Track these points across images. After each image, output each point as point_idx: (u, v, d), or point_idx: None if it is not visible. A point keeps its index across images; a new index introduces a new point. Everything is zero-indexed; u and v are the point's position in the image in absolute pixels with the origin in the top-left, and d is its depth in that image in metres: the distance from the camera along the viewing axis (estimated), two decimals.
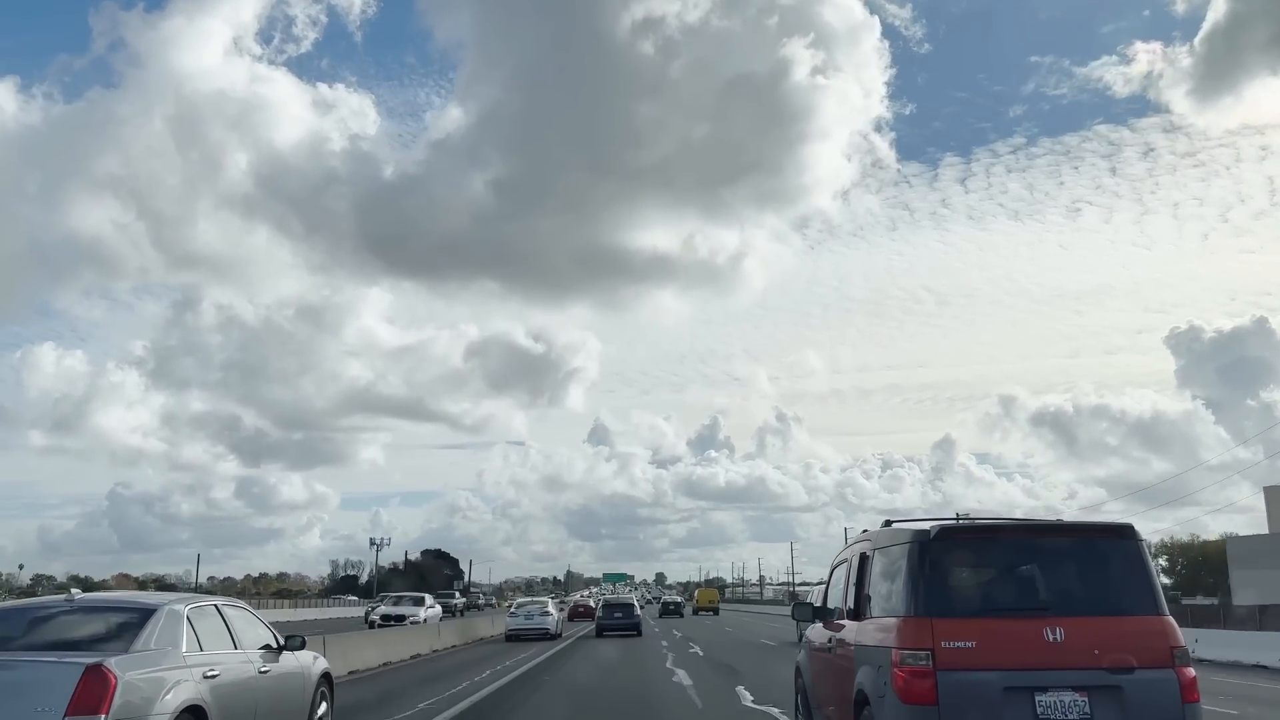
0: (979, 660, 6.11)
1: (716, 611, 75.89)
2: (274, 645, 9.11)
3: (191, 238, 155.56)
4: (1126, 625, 6.29)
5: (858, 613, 7.49)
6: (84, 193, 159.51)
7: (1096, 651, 6.12)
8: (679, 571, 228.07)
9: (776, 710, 12.76)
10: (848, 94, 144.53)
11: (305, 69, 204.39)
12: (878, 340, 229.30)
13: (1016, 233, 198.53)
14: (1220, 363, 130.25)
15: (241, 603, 9.62)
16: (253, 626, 9.08)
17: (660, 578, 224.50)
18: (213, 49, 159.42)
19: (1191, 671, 6.24)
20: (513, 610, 36.70)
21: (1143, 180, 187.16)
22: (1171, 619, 6.39)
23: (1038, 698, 6.05)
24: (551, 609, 36.04)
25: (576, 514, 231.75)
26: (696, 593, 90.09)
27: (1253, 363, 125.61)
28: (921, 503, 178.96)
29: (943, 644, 6.14)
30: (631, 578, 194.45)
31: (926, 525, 6.80)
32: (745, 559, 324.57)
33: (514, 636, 33.31)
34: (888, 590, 6.94)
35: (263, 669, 8.58)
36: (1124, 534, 6.68)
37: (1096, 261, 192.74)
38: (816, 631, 9.08)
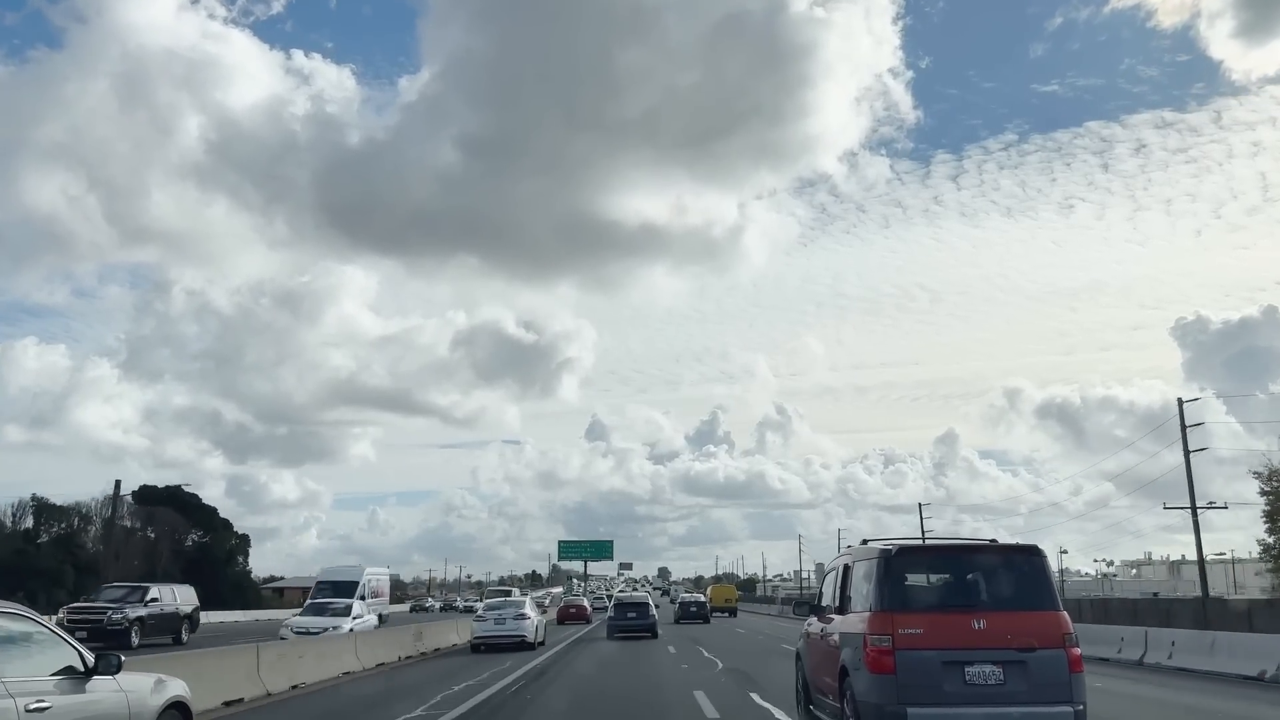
0: (925, 642, 8.54)
1: (734, 613, 67.08)
2: (81, 668, 7.07)
3: (148, 210, 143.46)
4: (1031, 618, 8.71)
5: (842, 609, 9.96)
6: (36, 164, 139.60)
7: (1009, 636, 8.55)
8: (678, 570, 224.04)
9: None
10: (853, 31, 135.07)
11: (272, 32, 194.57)
12: (873, 338, 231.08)
13: (1009, 229, 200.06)
14: (1228, 354, 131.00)
15: (22, 609, 7.15)
16: (42, 643, 6.95)
17: (664, 572, 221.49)
18: (168, 3, 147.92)
19: (1078, 650, 8.68)
20: (479, 613, 29.58)
21: (1135, 177, 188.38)
22: (1065, 613, 8.84)
23: (966, 669, 8.48)
24: (530, 610, 29.10)
25: (574, 512, 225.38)
26: (710, 590, 78.82)
27: (1262, 354, 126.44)
28: (924, 499, 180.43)
29: (899, 631, 8.58)
30: (635, 574, 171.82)
31: (890, 544, 9.28)
32: (744, 555, 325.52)
33: (481, 646, 27.38)
34: (863, 592, 9.41)
35: (36, 705, 6.33)
36: (1032, 552, 9.19)
37: (1090, 258, 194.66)
38: (812, 624, 11.56)
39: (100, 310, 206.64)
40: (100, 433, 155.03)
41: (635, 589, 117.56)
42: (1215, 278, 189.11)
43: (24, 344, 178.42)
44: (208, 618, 50.29)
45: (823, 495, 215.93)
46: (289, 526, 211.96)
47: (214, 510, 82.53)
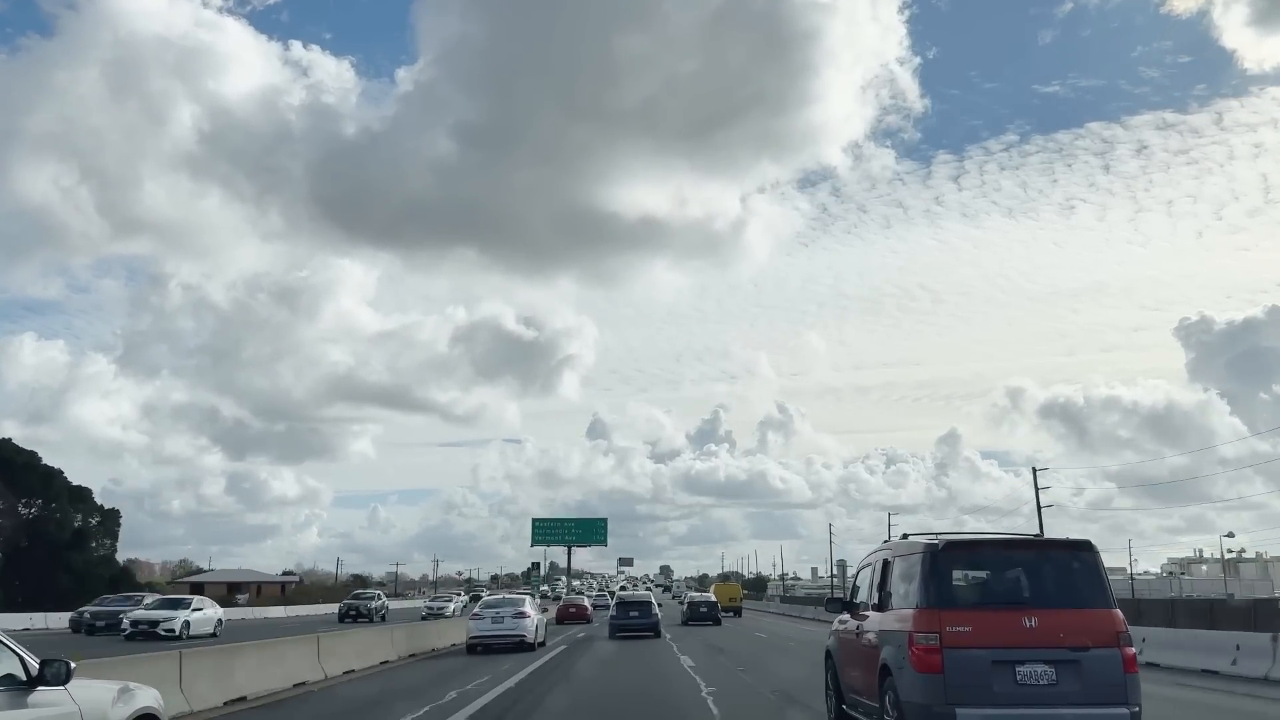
0: (974, 640, 8.23)
1: (739, 612, 64.56)
2: (22, 677, 6.04)
3: (141, 201, 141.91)
4: (1084, 616, 8.41)
5: (882, 606, 9.63)
6: (27, 154, 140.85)
7: (1061, 634, 8.25)
8: (679, 569, 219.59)
9: None
10: (858, 18, 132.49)
11: (268, 21, 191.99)
12: (874, 338, 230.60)
13: (1010, 230, 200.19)
14: (1232, 355, 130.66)
15: None
16: None
17: (666, 570, 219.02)
18: None
19: (1132, 650, 8.38)
20: (476, 612, 27.72)
21: (1136, 178, 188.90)
22: (1119, 611, 8.51)
23: (1017, 669, 8.17)
24: (530, 609, 27.44)
25: (575, 510, 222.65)
26: (713, 588, 73.16)
27: (1266, 354, 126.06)
28: (926, 499, 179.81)
29: (947, 629, 8.27)
30: (636, 572, 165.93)
31: (935, 539, 8.96)
32: (750, 554, 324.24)
33: (479, 647, 25.76)
34: (905, 589, 9.09)
35: None
36: (1083, 548, 8.86)
37: (1091, 259, 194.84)
38: (844, 622, 11.23)
39: (95, 304, 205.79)
40: (98, 429, 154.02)
41: (637, 587, 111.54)
42: (1216, 279, 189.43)
43: (21, 339, 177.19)
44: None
45: (824, 495, 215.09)
46: (289, 524, 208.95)
47: (55, 473, 61.46)
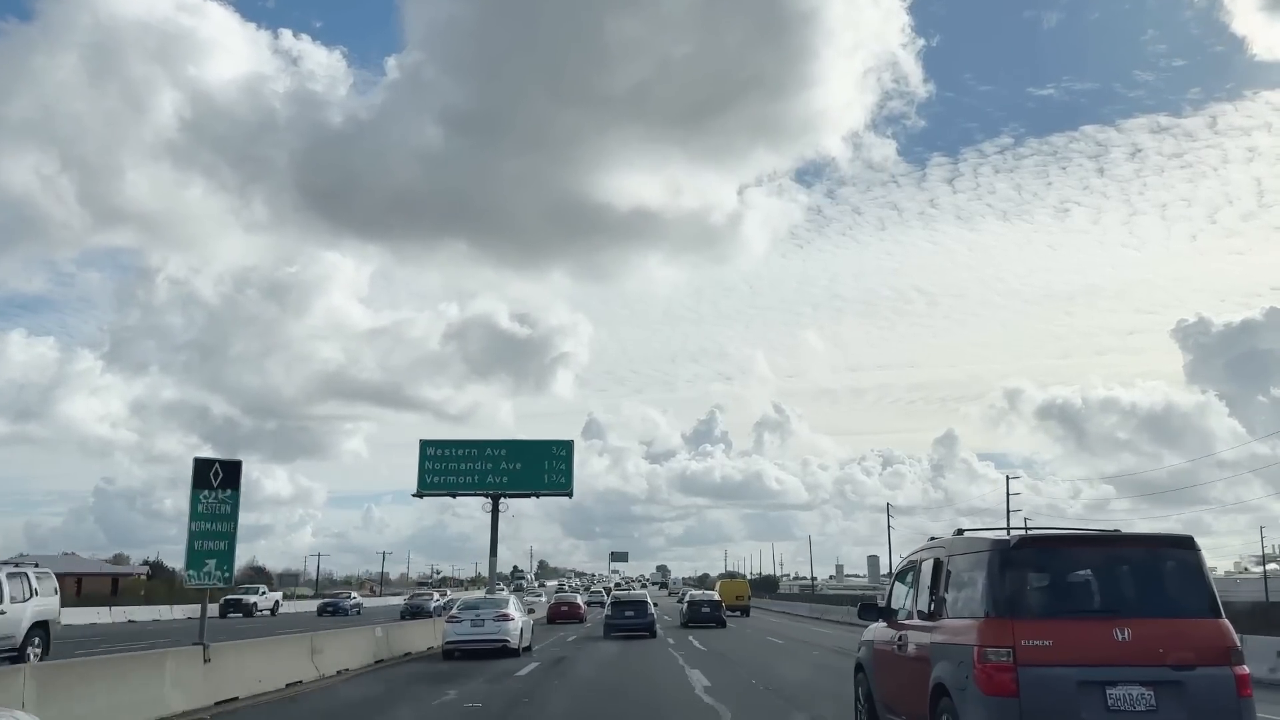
0: (1055, 657, 6.83)
1: (746, 612, 59.92)
2: None
3: (124, 192, 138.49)
4: (1187, 627, 7.01)
5: (934, 613, 8.21)
6: (6, 142, 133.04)
7: (1161, 650, 6.84)
8: (676, 570, 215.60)
9: None
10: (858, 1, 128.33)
11: (254, 8, 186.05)
12: (869, 340, 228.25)
13: (1005, 233, 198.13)
14: (1230, 356, 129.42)
15: None
16: None
17: (664, 569, 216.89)
18: None
19: (1246, 669, 6.96)
20: (453, 614, 25.60)
21: (1130, 181, 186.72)
22: (1227, 621, 7.11)
23: (1109, 691, 6.77)
24: (514, 610, 25.32)
25: (569, 510, 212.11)
26: (718, 585, 66.71)
27: (1264, 356, 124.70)
28: (923, 500, 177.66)
29: (1022, 642, 6.86)
30: (631, 571, 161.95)
31: (1005, 535, 7.55)
32: (744, 556, 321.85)
33: (455, 652, 23.77)
34: (964, 594, 7.69)
35: None
36: (1184, 545, 7.43)
37: (1085, 262, 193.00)
38: (879, 631, 9.81)
39: (80, 298, 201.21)
40: (87, 426, 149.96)
41: (632, 587, 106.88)
42: (1211, 282, 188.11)
43: (9, 336, 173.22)
44: None
45: (820, 496, 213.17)
46: (283, 524, 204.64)
47: None
